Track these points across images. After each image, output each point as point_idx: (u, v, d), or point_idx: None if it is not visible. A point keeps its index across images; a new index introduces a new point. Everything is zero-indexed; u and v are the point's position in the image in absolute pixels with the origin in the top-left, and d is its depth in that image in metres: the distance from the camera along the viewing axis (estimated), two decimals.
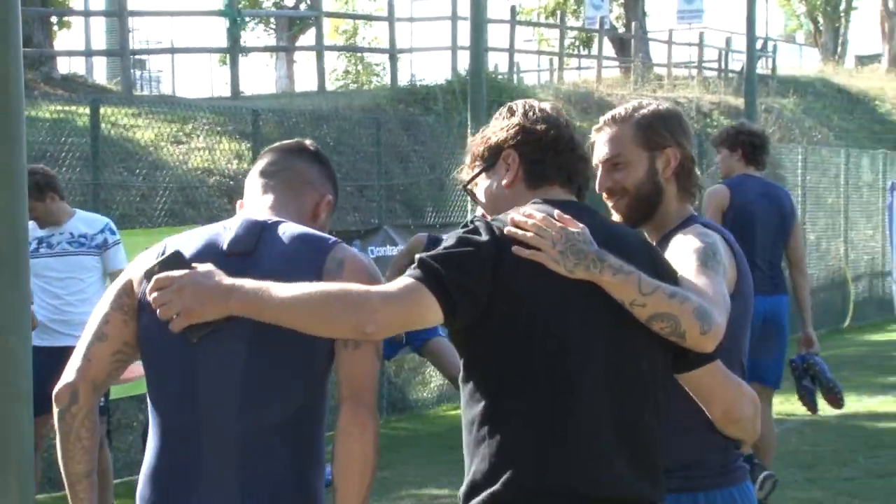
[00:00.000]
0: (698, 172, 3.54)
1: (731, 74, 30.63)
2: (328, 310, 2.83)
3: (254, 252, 3.06)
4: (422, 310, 2.85)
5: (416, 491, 9.17)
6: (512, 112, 3.19)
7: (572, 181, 3.15)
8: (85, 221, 7.88)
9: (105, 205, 10.72)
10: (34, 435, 2.82)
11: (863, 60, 45.66)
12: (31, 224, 7.71)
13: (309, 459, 3.03)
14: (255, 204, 3.26)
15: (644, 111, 3.49)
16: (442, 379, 12.82)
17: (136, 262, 3.15)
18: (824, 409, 8.39)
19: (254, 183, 3.31)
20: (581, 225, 2.95)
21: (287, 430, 2.99)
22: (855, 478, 9.09)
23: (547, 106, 3.21)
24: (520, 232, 2.91)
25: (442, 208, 14.35)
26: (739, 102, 24.15)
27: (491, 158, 3.17)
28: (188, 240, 3.14)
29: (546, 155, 3.12)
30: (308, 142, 3.40)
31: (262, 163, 3.34)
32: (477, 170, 3.20)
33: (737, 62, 31.90)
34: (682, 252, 3.27)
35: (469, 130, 14.39)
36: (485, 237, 2.90)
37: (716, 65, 32.32)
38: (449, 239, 2.94)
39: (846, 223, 21.82)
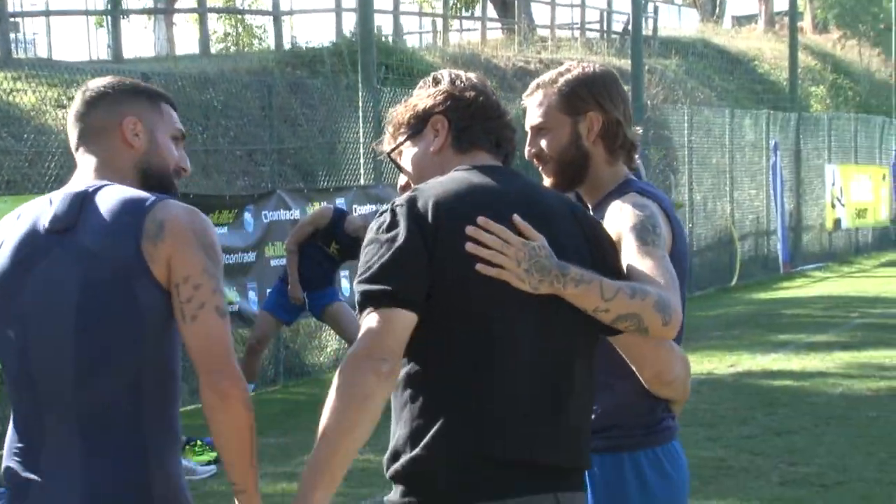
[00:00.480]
0: (632, 132, 3.51)
1: (613, 35, 30.84)
2: (353, 400, 2.79)
3: (74, 227, 2.99)
4: (402, 326, 2.83)
5: None
6: (437, 81, 3.18)
7: (500, 147, 3.13)
8: None
9: None
10: None
11: (740, 21, 46.30)
12: None
13: (155, 434, 2.98)
14: (81, 174, 3.16)
15: (568, 76, 3.48)
16: (339, 343, 12.77)
17: None
18: (718, 367, 8.49)
19: (77, 159, 3.22)
20: (540, 236, 2.93)
21: (126, 399, 2.95)
22: (755, 435, 9.23)
23: (472, 75, 3.20)
24: (483, 251, 2.87)
25: (334, 171, 14.24)
26: (623, 63, 24.33)
27: (418, 125, 3.14)
28: (17, 216, 3.10)
29: (474, 121, 3.10)
30: (79, 94, 3.21)
31: (72, 135, 3.22)
32: (402, 137, 3.16)
33: (619, 23, 32.16)
34: (622, 228, 3.25)
35: (360, 94, 14.34)
36: (405, 228, 2.86)
37: (598, 26, 32.51)
38: (371, 246, 2.89)
39: (731, 183, 22.15)
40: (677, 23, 42.13)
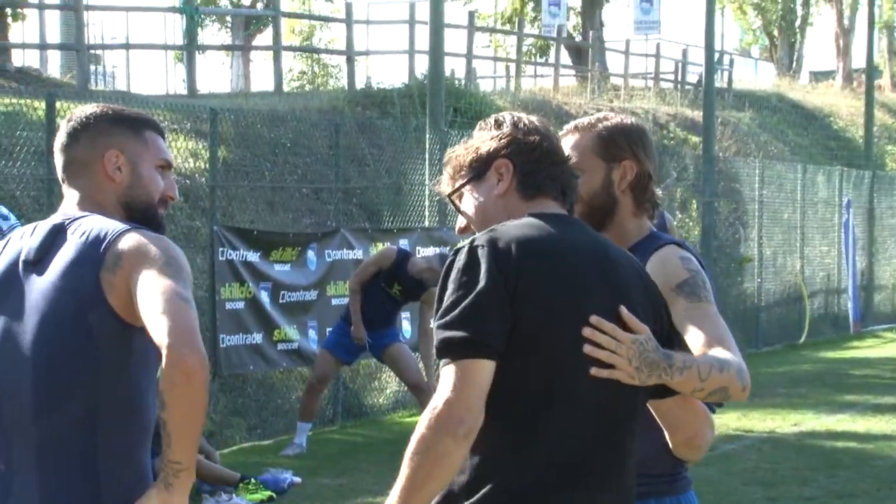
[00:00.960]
0: (657, 191, 3.56)
1: (687, 86, 30.71)
2: (429, 458, 2.74)
3: (44, 259, 2.99)
4: (482, 378, 2.76)
5: (371, 499, 9.04)
6: (499, 123, 3.11)
7: (566, 194, 3.07)
8: None
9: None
10: None
11: (817, 76, 46.02)
12: None
13: (111, 469, 2.94)
14: (65, 203, 3.14)
15: (607, 123, 3.54)
16: (398, 385, 12.70)
17: None
18: (782, 426, 8.34)
19: (64, 191, 3.20)
20: (644, 327, 2.90)
21: (81, 433, 2.92)
22: (815, 497, 9.02)
23: (535, 118, 3.14)
24: (600, 353, 2.84)
25: (399, 212, 14.22)
26: (695, 114, 24.23)
27: (480, 168, 3.06)
28: (4, 244, 3.12)
29: (539, 166, 3.04)
30: (63, 125, 3.19)
31: (57, 165, 3.20)
32: (463, 180, 3.09)
33: (693, 74, 32.01)
34: (671, 283, 3.27)
35: (427, 136, 14.33)
36: (486, 270, 2.79)
37: (672, 76, 32.40)
38: (450, 287, 2.81)
39: (802, 239, 21.89)
40: (753, 76, 41.95)
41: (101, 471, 2.94)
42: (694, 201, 20.17)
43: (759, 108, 30.10)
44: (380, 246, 12.29)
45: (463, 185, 3.09)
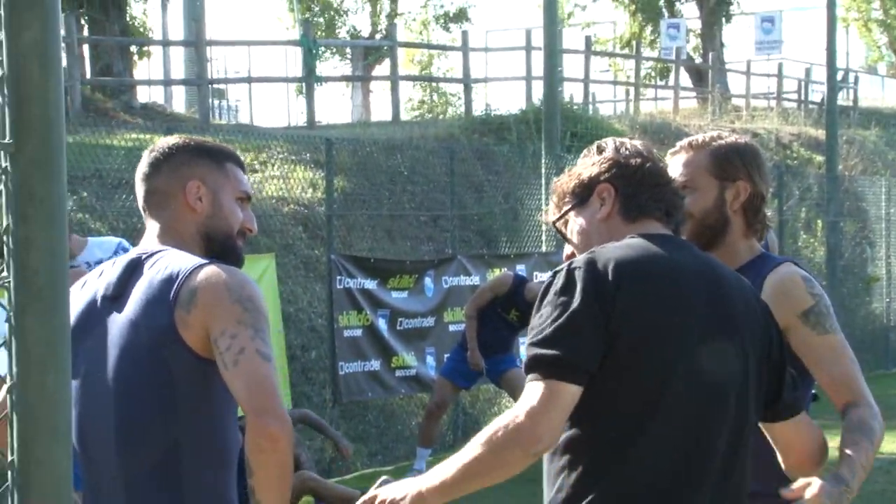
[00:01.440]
0: (767, 212, 3.54)
1: (811, 106, 30.30)
2: (494, 459, 2.73)
3: (122, 295, 3.01)
4: (567, 401, 2.75)
5: None
6: (601, 149, 3.15)
7: (671, 215, 3.05)
8: (99, 246, 7.59)
9: None
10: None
11: None
12: None
13: (196, 495, 2.96)
14: (147, 237, 3.18)
15: (721, 142, 3.51)
16: None
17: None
18: None
19: (144, 214, 3.24)
20: (819, 482, 2.93)
21: (165, 468, 2.95)
22: None
23: (637, 142, 3.17)
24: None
25: (516, 238, 14.24)
26: (820, 134, 23.85)
27: (583, 194, 3.07)
28: (83, 283, 3.15)
29: (641, 188, 3.03)
30: (146, 155, 3.22)
31: (139, 194, 3.23)
32: (567, 206, 3.10)
33: (817, 93, 31.56)
34: (801, 313, 3.26)
35: (543, 160, 14.34)
36: (581, 290, 2.77)
37: (795, 96, 31.98)
38: (546, 308, 2.81)
39: None
40: (880, 93, 41.21)
41: (188, 501, 2.97)
42: (819, 221, 19.87)
43: (886, 125, 29.56)
44: (496, 272, 12.29)
45: (567, 212, 3.10)
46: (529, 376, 2.76)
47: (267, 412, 2.82)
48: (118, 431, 2.98)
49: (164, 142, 3.21)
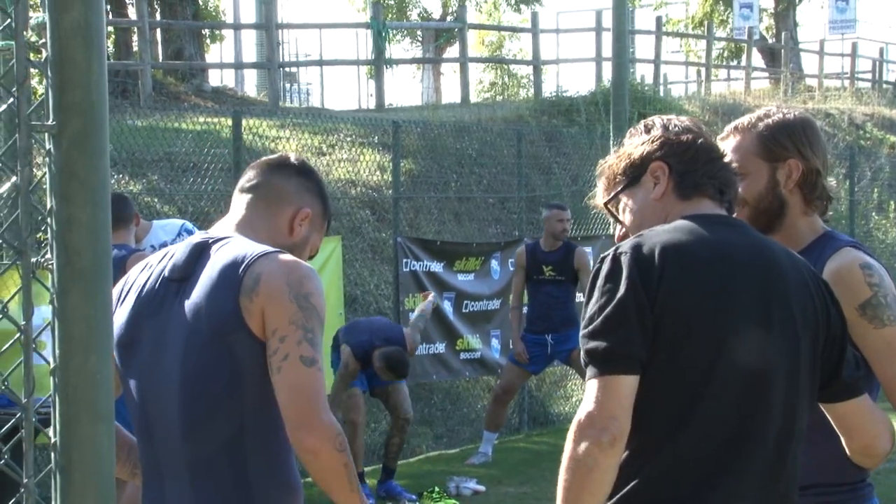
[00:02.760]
0: (829, 183, 3.41)
1: (885, 85, 29.88)
2: (576, 466, 2.72)
3: (189, 278, 3.04)
4: (624, 390, 2.72)
5: None
6: (648, 128, 3.07)
7: (724, 193, 3.00)
8: (163, 229, 7.63)
9: None
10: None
11: None
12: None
13: (263, 482, 3.00)
14: (224, 221, 3.24)
15: (768, 120, 3.39)
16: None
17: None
18: None
19: (234, 199, 3.27)
20: None
21: (231, 450, 2.99)
22: None
23: (685, 118, 3.09)
24: None
25: (584, 220, 14.16)
26: (894, 114, 23.55)
27: (635, 173, 3.02)
28: (146, 265, 3.19)
29: (696, 165, 2.98)
30: (292, 155, 3.32)
31: (242, 178, 3.28)
32: (619, 187, 3.05)
33: (892, 73, 31.17)
34: (858, 306, 3.18)
35: (611, 142, 14.23)
36: (627, 277, 2.75)
37: (869, 76, 31.55)
38: (595, 295, 2.79)
39: None
40: None
41: (253, 483, 3.00)
42: (892, 202, 19.61)
43: None
44: None
45: (619, 192, 3.05)
46: (587, 373, 2.76)
47: (303, 426, 2.89)
48: (183, 414, 3.00)
49: (302, 160, 3.31)
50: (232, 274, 2.98)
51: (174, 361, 3.01)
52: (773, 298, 2.84)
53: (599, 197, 3.11)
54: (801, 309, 2.87)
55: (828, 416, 3.05)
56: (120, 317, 3.09)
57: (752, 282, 2.84)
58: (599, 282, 2.79)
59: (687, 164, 2.98)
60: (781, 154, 3.36)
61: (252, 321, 2.95)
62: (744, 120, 3.45)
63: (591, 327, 2.75)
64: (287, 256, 3.03)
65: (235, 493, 2.99)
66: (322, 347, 2.99)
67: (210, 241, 3.10)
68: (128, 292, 3.14)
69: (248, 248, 3.04)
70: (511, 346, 11.22)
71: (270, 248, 3.04)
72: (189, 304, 3.01)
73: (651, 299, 2.74)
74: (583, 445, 2.70)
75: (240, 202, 3.23)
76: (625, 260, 2.77)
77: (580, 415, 2.73)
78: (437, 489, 9.30)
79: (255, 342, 2.95)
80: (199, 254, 3.07)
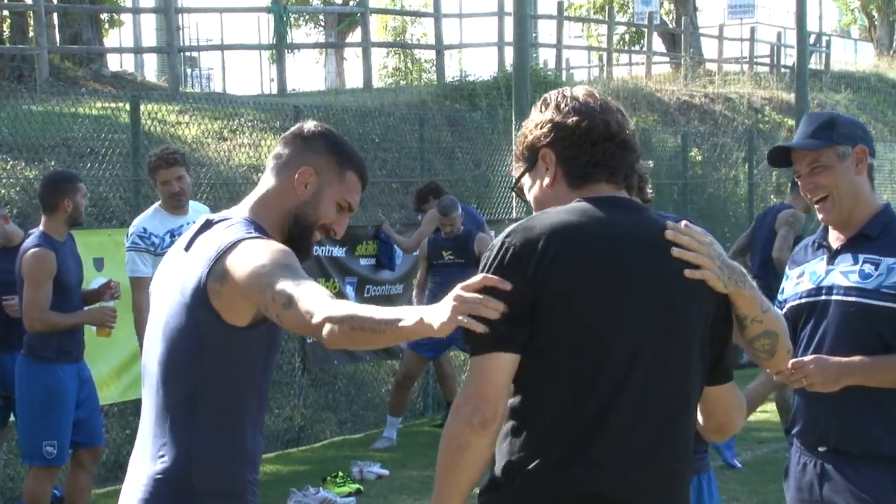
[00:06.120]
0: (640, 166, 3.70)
1: (783, 70, 30.31)
2: (449, 447, 2.78)
3: (189, 248, 3.31)
4: (499, 370, 2.77)
5: None
6: (546, 104, 3.05)
7: (615, 174, 2.99)
8: (194, 208, 7.86)
9: (146, 200, 10.65)
10: None
11: None
12: (164, 214, 7.74)
13: (205, 441, 3.21)
14: (247, 198, 3.43)
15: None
16: None
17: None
18: None
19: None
20: (712, 239, 2.92)
21: (187, 406, 3.22)
22: None
23: (580, 93, 3.04)
24: (689, 254, 2.86)
25: (487, 205, 14.22)
26: (791, 98, 23.87)
27: (531, 157, 3.04)
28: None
29: (581, 150, 2.96)
30: (307, 124, 3.45)
31: (272, 154, 3.45)
32: (520, 170, 3.08)
33: (789, 57, 31.56)
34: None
35: (514, 126, 14.29)
36: (507, 264, 2.80)
37: (768, 60, 31.98)
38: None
39: None
40: (853, 57, 41.24)
41: (197, 440, 3.20)
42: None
43: (857, 88, 29.61)
44: None
45: (521, 177, 3.08)
46: (469, 352, 2.81)
47: (313, 336, 3.02)
48: (157, 371, 3.27)
49: (317, 124, 3.42)
50: (211, 255, 3.17)
51: (162, 317, 3.28)
52: (662, 277, 2.87)
53: (515, 174, 3.14)
54: (693, 288, 2.90)
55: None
56: (158, 268, 3.45)
57: (641, 261, 2.87)
58: (483, 265, 2.84)
59: (572, 149, 2.96)
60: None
61: (219, 303, 3.15)
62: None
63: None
64: (263, 238, 3.18)
65: (176, 444, 3.20)
66: (300, 271, 3.07)
67: (216, 220, 3.33)
68: (170, 248, 3.48)
69: (230, 234, 3.21)
70: None
71: (246, 235, 3.18)
72: (182, 272, 3.25)
73: (534, 281, 2.77)
74: (456, 425, 2.76)
75: (262, 178, 3.41)
76: (508, 242, 2.81)
77: (458, 398, 2.79)
78: (340, 474, 9.29)
79: (220, 323, 3.16)
80: (203, 229, 3.31)
